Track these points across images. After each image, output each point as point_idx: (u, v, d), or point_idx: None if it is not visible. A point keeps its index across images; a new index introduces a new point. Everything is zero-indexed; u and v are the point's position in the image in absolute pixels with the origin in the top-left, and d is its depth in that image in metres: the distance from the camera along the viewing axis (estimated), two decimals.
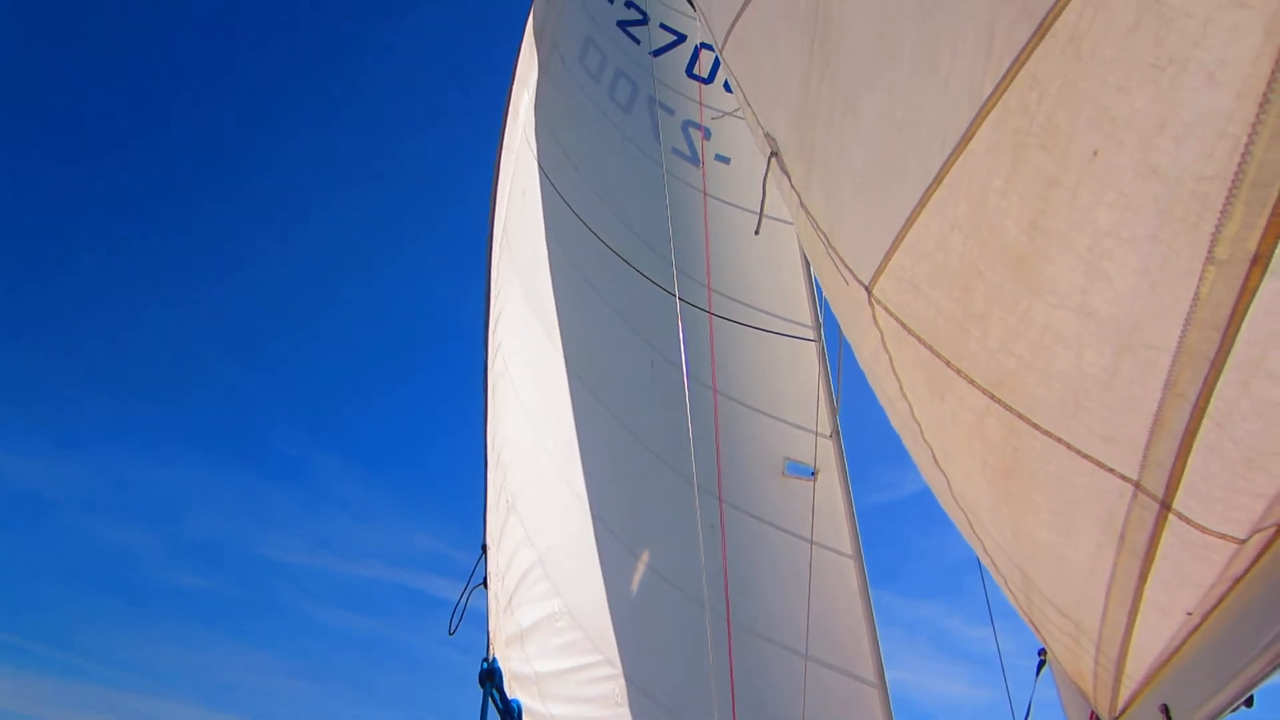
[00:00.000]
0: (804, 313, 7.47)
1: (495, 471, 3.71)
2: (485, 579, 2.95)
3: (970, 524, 2.87)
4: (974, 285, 2.04)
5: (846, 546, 6.90)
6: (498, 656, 2.82)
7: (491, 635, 2.85)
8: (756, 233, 4.53)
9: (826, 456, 7.15)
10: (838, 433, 7.25)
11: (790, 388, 7.32)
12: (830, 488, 7.07)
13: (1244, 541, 1.88)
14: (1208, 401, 1.65)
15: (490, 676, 2.68)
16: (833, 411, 7.28)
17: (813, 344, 7.39)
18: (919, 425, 2.70)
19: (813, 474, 7.07)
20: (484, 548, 3.01)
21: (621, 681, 5.35)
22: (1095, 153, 1.54)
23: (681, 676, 5.75)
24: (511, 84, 6.04)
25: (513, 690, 3.20)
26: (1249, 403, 1.57)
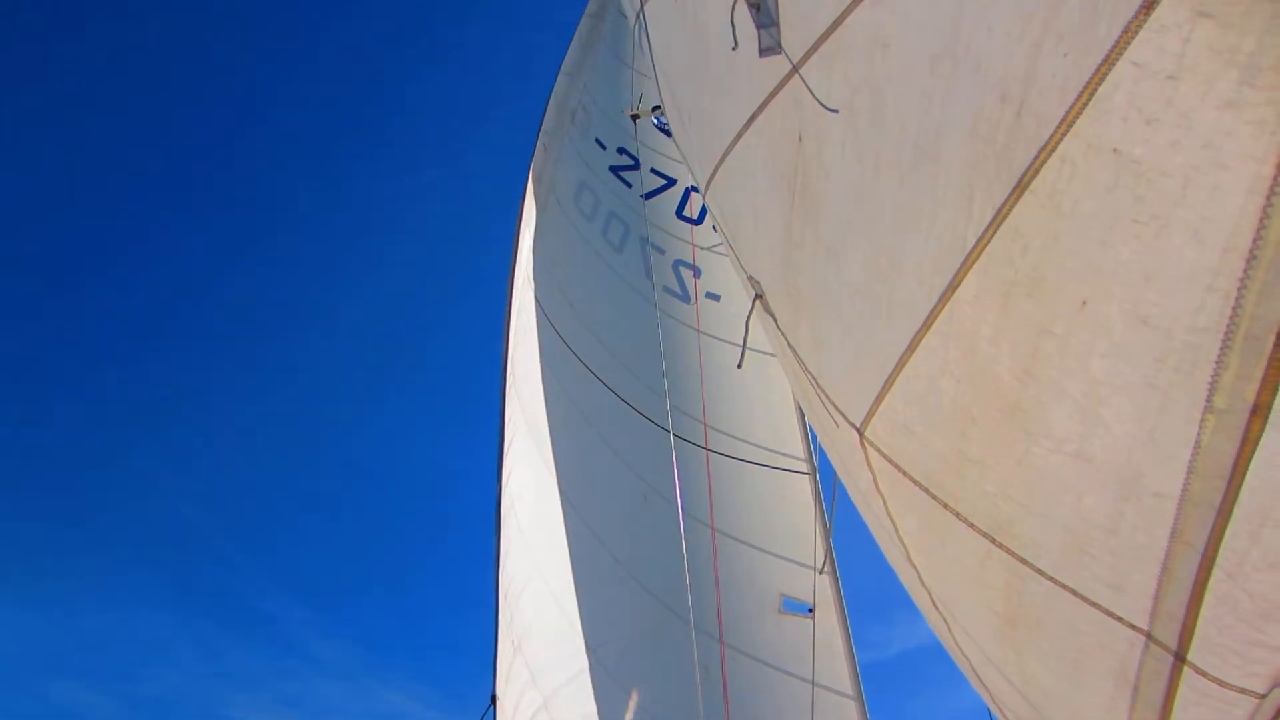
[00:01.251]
0: (797, 446, 7.45)
1: (504, 611, 3.61)
2: (493, 695, 2.81)
3: (975, 670, 2.76)
4: (968, 430, 2.03)
5: (847, 687, 6.66)
6: None
7: None
8: (739, 367, 4.56)
9: (823, 593, 6.98)
10: (834, 568, 7.10)
11: (784, 522, 7.21)
12: (828, 625, 6.87)
13: (1264, 696, 1.80)
14: (1216, 551, 1.61)
15: None
16: (828, 546, 7.16)
17: (806, 477, 7.33)
18: (916, 569, 2.64)
19: (810, 611, 6.88)
20: (493, 699, 2.88)
21: None
22: (1084, 302, 1.55)
23: None
24: (518, 227, 6.22)
25: None
26: (1260, 553, 1.53)
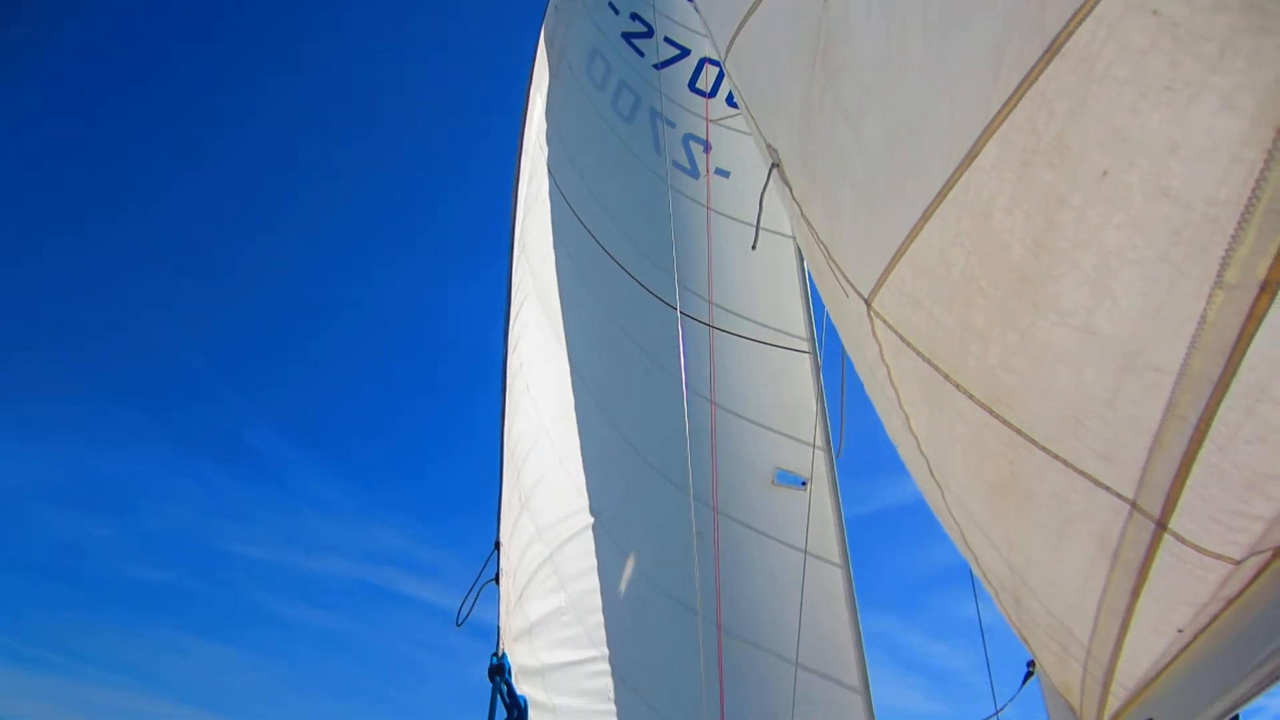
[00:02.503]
0: (799, 325, 7.50)
1: (510, 467, 3.73)
2: (497, 575, 2.94)
3: (964, 536, 2.88)
4: (975, 301, 2.05)
5: (835, 556, 6.92)
6: (507, 652, 2.82)
7: (502, 630, 2.86)
8: (754, 247, 4.55)
9: (818, 467, 7.17)
10: (829, 444, 7.27)
11: (782, 399, 7.34)
12: (820, 498, 7.09)
13: (1239, 563, 1.89)
14: (1209, 425, 1.66)
15: (500, 671, 2.68)
16: (825, 424, 7.30)
17: (807, 356, 7.41)
18: (916, 438, 2.71)
19: (803, 484, 7.09)
20: (497, 544, 3.00)
21: (615, 680, 5.37)
22: (1105, 173, 1.55)
23: (670, 678, 5.76)
24: (529, 89, 6.07)
25: (520, 685, 3.21)
26: (1252, 427, 1.58)
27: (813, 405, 7.13)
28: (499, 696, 2.65)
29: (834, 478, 7.21)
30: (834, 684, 6.59)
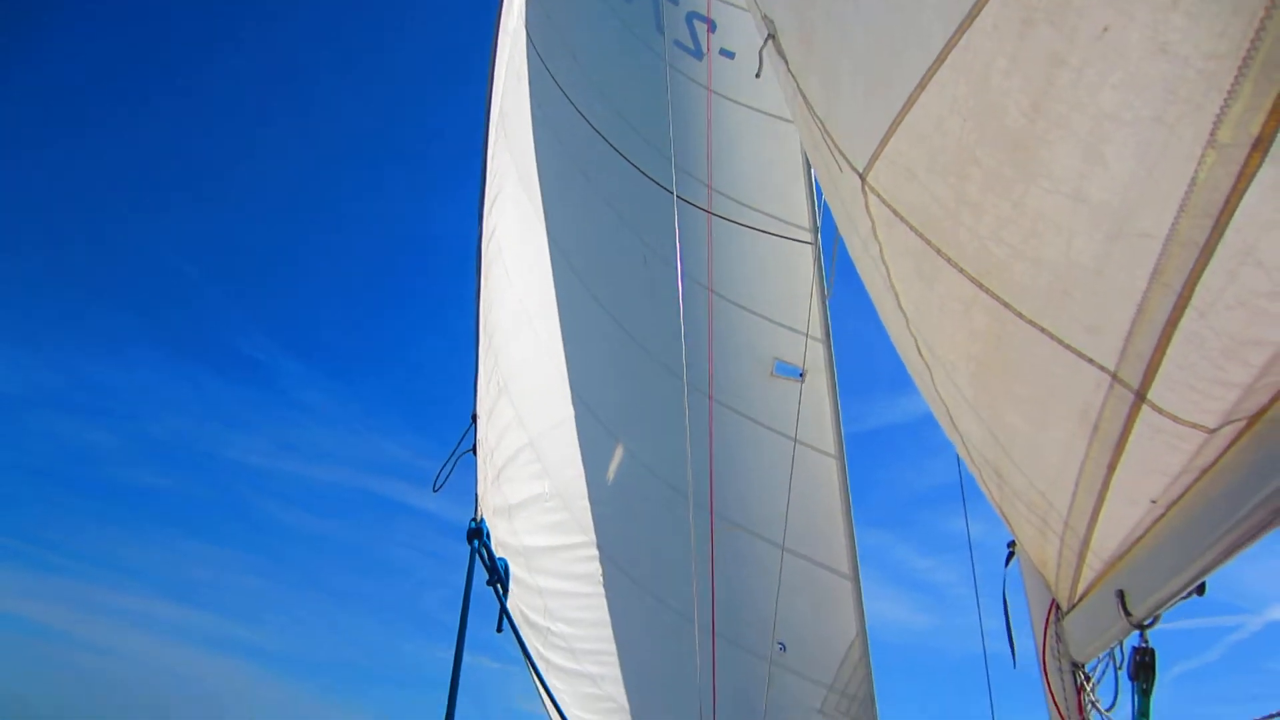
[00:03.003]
0: (802, 214, 7.41)
1: (487, 354, 3.72)
2: (474, 446, 2.99)
3: (950, 415, 2.92)
4: (969, 171, 2.02)
5: (830, 446, 7.03)
6: (486, 520, 2.89)
7: (480, 498, 2.91)
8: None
9: (816, 359, 7.20)
10: (828, 337, 7.28)
11: (782, 289, 7.32)
12: (818, 390, 7.15)
13: (1214, 432, 1.92)
14: (1192, 291, 1.66)
15: (478, 534, 2.75)
16: (824, 315, 7.31)
17: (809, 246, 7.35)
18: (905, 316, 2.72)
19: (801, 375, 7.14)
20: (473, 417, 3.04)
21: (606, 563, 5.52)
22: (1105, 29, 1.50)
23: (663, 562, 5.93)
24: None
25: (500, 552, 3.30)
26: (1234, 291, 1.58)
27: (813, 297, 7.11)
28: (478, 559, 2.73)
29: (832, 370, 7.26)
30: (825, 570, 6.79)
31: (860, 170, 2.49)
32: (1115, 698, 2.90)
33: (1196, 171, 1.51)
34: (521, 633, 3.53)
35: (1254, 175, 1.43)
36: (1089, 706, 3.16)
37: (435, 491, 3.08)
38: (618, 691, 5.47)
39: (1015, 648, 3.74)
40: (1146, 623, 2.57)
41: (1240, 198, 1.46)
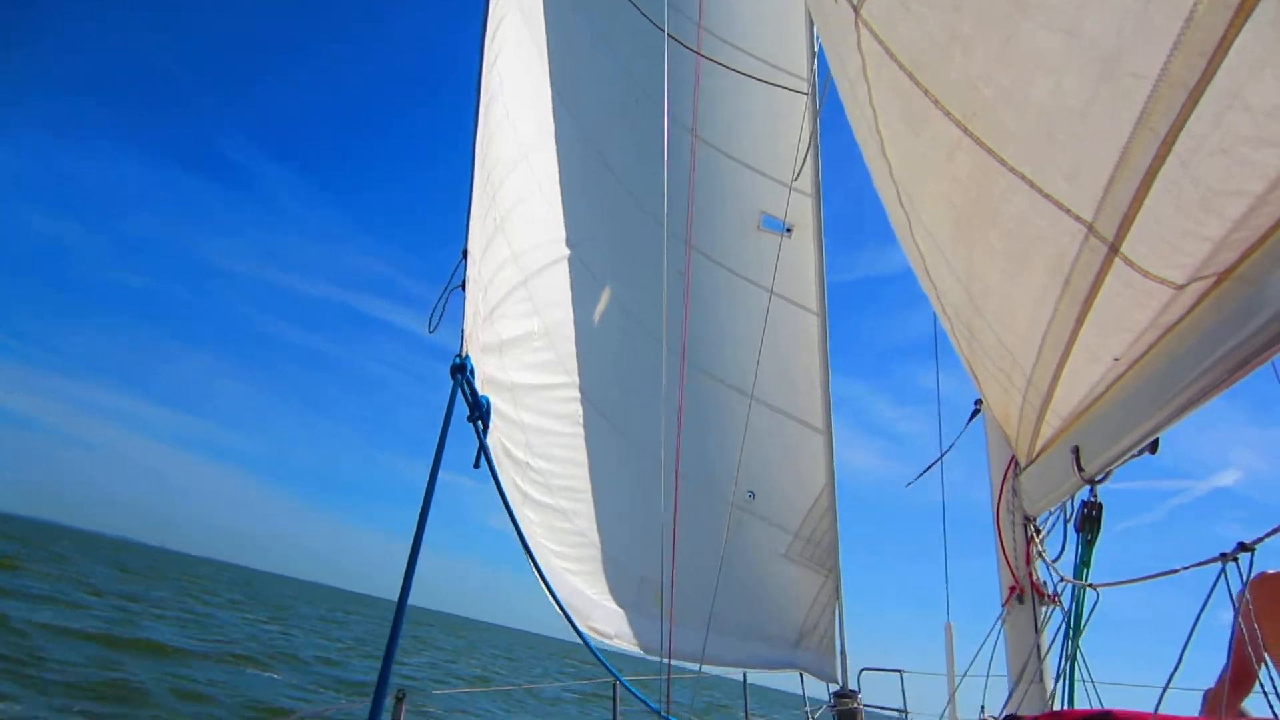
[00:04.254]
0: (796, 63, 7.13)
1: (484, 189, 3.63)
2: (464, 282, 2.96)
3: (926, 266, 2.90)
4: (963, 3, 1.92)
5: (812, 303, 7.04)
6: (471, 357, 2.90)
7: (466, 337, 2.90)
8: None
9: (804, 215, 7.10)
10: (818, 192, 7.16)
11: (774, 141, 7.13)
12: (804, 245, 7.08)
13: (1181, 288, 1.91)
14: (1176, 137, 1.61)
15: (461, 370, 2.76)
16: (815, 170, 7.15)
17: (802, 97, 7.11)
18: (888, 162, 2.65)
19: (787, 230, 7.06)
20: (464, 253, 2.99)
21: (586, 405, 5.61)
22: None
23: (640, 408, 6.03)
24: None
25: (484, 389, 3.33)
26: (1218, 137, 1.53)
27: (805, 149, 6.94)
28: (460, 393, 2.75)
29: (819, 226, 7.17)
30: (798, 423, 6.92)
31: (854, 1, 2.37)
32: (1062, 550, 3.03)
33: (1194, 7, 1.43)
34: (500, 465, 3.61)
35: (1252, 10, 1.36)
36: (1036, 556, 3.30)
37: (431, 332, 3.07)
38: (588, 527, 5.67)
39: (928, 472, 3.99)
40: (1097, 478, 2.64)
41: (1236, 33, 1.39)
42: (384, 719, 2.32)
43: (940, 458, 4.32)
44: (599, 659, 4.21)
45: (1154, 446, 2.44)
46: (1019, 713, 3.24)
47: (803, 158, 6.93)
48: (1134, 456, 2.47)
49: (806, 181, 7.07)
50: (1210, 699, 3.09)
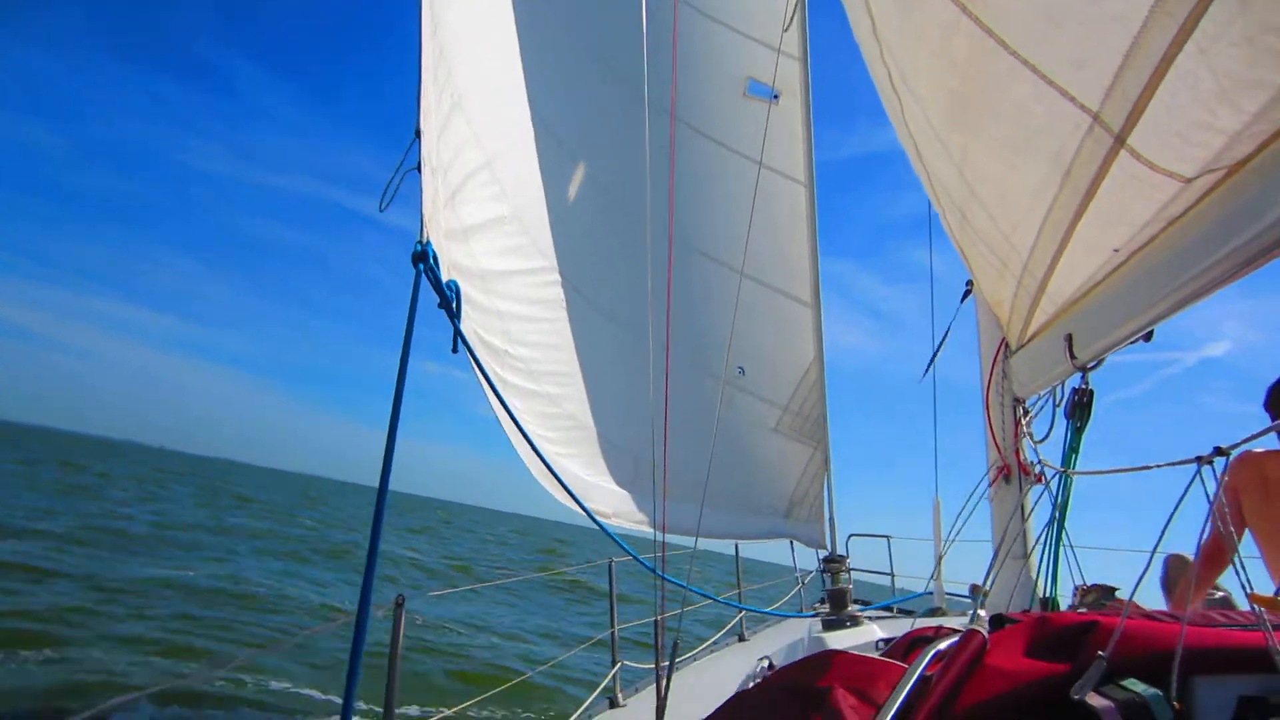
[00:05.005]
0: None
1: (438, 63, 3.39)
2: (418, 163, 2.78)
3: (919, 150, 2.76)
4: None
5: (800, 174, 6.84)
6: (433, 243, 2.76)
7: (426, 222, 2.76)
8: None
9: (792, 80, 6.81)
10: (806, 56, 6.84)
11: (760, 2, 6.75)
12: (791, 113, 6.83)
13: (1190, 181, 1.81)
14: (1196, 23, 1.47)
15: (423, 258, 2.64)
16: (803, 31, 6.81)
17: None
18: (879, 43, 2.48)
19: (775, 96, 6.78)
20: (417, 132, 2.80)
21: (567, 289, 5.51)
22: None
23: (624, 288, 5.93)
24: None
25: (450, 275, 3.21)
26: (1242, 25, 1.40)
27: (793, 6, 6.57)
28: (426, 281, 2.63)
29: (807, 92, 6.89)
30: (786, 297, 6.86)
31: None
32: (1049, 431, 3.02)
33: None
34: (478, 354, 3.55)
35: None
36: (1024, 437, 3.31)
37: (381, 211, 2.91)
38: (578, 410, 5.68)
39: (933, 364, 3.95)
40: (1089, 366, 2.60)
41: None
42: (371, 625, 2.32)
43: (939, 347, 4.27)
44: (594, 520, 4.29)
45: (1148, 335, 2.39)
46: (995, 582, 3.32)
47: (790, 13, 6.57)
48: (1129, 344, 2.41)
49: (794, 44, 6.73)
50: (1170, 566, 3.17)
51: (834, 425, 6.78)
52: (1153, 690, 1.29)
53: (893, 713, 1.33)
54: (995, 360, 3.45)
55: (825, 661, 1.57)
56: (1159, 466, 2.03)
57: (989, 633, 1.50)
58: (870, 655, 1.61)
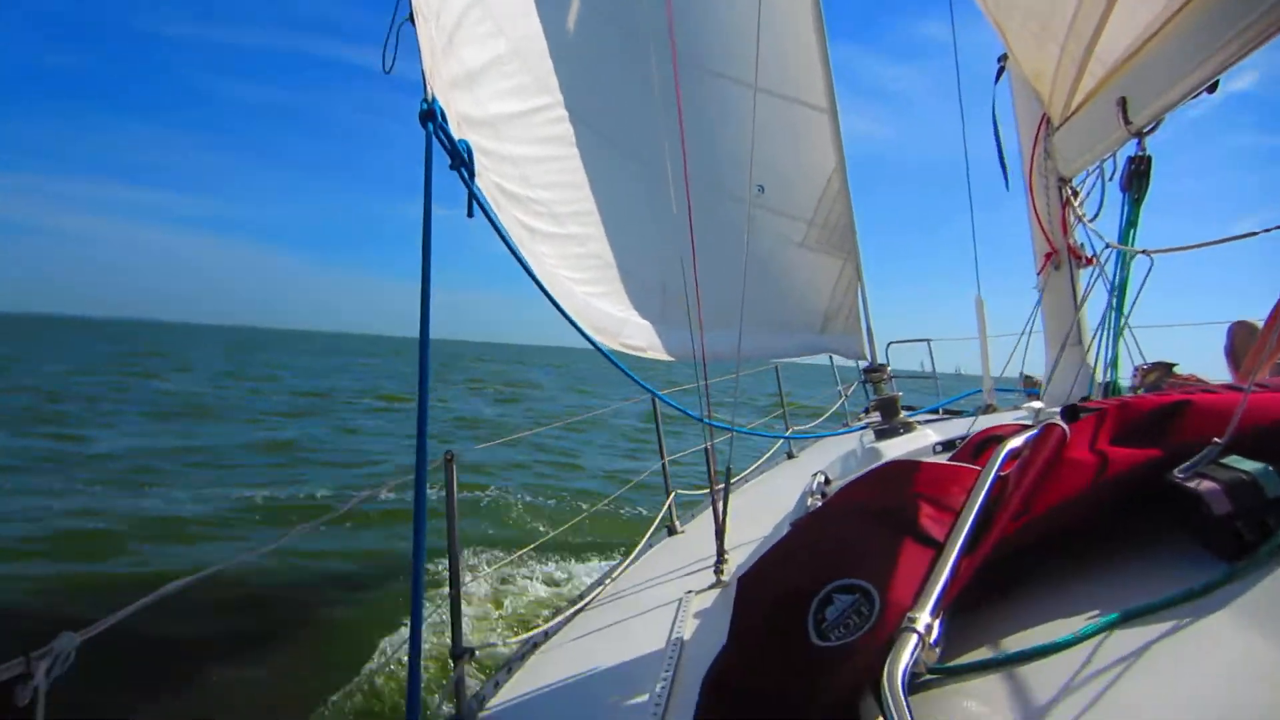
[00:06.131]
0: None
1: None
2: (411, 14, 2.59)
3: None
4: None
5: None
6: (438, 97, 2.60)
7: (428, 75, 2.59)
8: None
9: None
10: None
11: None
12: None
13: None
14: None
15: (431, 116, 2.48)
16: None
17: None
18: None
19: None
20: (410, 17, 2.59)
21: (576, 124, 5.27)
22: None
23: (634, 115, 5.68)
24: None
25: (461, 131, 3.05)
26: None
27: None
28: (438, 142, 2.49)
29: None
30: (800, 105, 6.55)
31: None
32: (1100, 209, 2.88)
33: None
34: (499, 206, 3.42)
35: None
36: (1073, 219, 3.17)
37: (387, 72, 2.74)
38: (602, 248, 5.58)
39: (1007, 167, 3.66)
40: (1146, 130, 2.43)
41: None
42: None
43: (999, 145, 4.00)
44: (631, 378, 4.28)
45: (1213, 86, 2.20)
46: (1052, 373, 3.27)
47: None
48: (1192, 99, 2.23)
49: None
50: (1235, 334, 3.07)
51: (861, 232, 6.60)
52: (1260, 465, 1.21)
53: (972, 517, 1.28)
54: (1036, 139, 3.26)
55: (892, 472, 1.52)
56: (1240, 238, 1.91)
57: (1064, 424, 1.43)
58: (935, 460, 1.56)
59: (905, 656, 1.02)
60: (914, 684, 1.07)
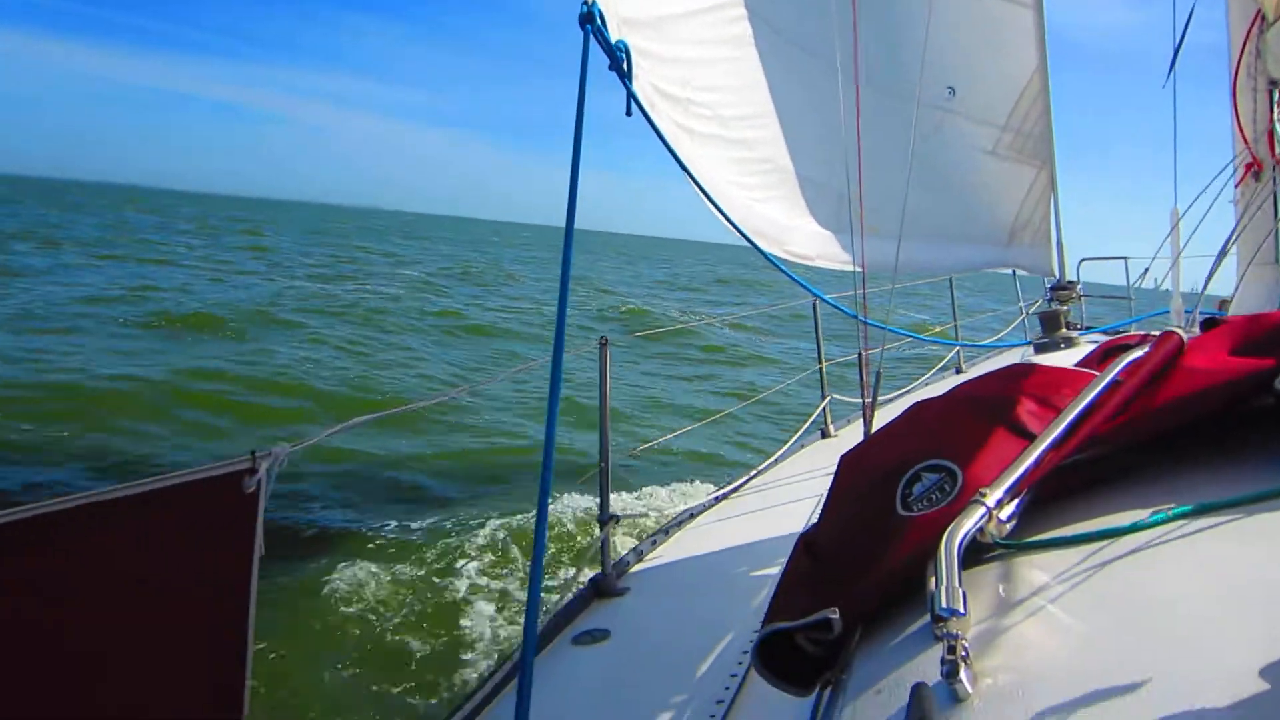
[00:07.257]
0: None
1: None
2: None
3: None
4: None
5: None
6: (599, 1, 2.62)
7: None
8: None
9: None
10: None
11: None
12: None
13: None
14: None
15: (590, 19, 2.52)
16: None
17: None
18: None
19: None
20: None
21: (755, 21, 5.14)
22: None
23: (815, 14, 5.47)
24: None
25: (620, 32, 3.08)
26: None
27: None
28: (596, 44, 2.53)
29: None
30: (999, 0, 6.10)
31: None
32: None
33: None
34: (655, 108, 3.46)
35: None
36: (1278, 125, 2.85)
37: None
38: (774, 152, 5.49)
39: (1178, 58, 3.32)
40: None
41: None
42: (580, 365, 2.49)
43: (1182, 37, 3.63)
44: (791, 277, 4.27)
45: None
46: (1242, 291, 3.01)
47: None
48: None
49: None
50: None
51: (1058, 139, 6.12)
52: None
53: (1073, 415, 1.26)
54: (1248, 35, 2.92)
55: (1012, 372, 1.51)
56: None
57: (1185, 333, 1.37)
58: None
59: (968, 524, 1.06)
60: (980, 556, 1.12)
